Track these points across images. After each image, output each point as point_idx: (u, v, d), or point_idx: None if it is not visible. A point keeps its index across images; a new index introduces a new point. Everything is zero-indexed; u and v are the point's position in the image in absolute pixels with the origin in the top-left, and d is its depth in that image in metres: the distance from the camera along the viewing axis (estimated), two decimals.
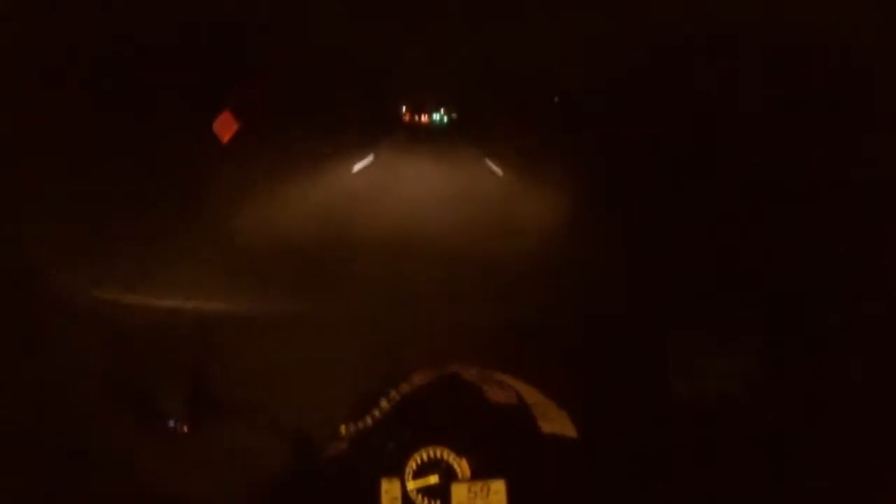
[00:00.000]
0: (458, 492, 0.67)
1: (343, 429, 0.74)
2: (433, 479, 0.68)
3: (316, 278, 1.51)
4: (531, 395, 0.82)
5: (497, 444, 0.72)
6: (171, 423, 0.83)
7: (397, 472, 0.69)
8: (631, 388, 0.89)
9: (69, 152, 1.32)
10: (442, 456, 0.69)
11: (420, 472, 0.69)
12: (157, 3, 1.49)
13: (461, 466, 0.69)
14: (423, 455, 0.69)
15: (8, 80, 1.11)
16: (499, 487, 0.67)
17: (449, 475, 0.68)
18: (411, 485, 0.67)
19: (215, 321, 1.13)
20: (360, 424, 0.74)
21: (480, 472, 0.69)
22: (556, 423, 0.79)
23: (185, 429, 0.81)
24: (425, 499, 0.67)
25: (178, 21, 1.57)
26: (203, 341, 1.01)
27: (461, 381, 0.79)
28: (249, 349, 0.97)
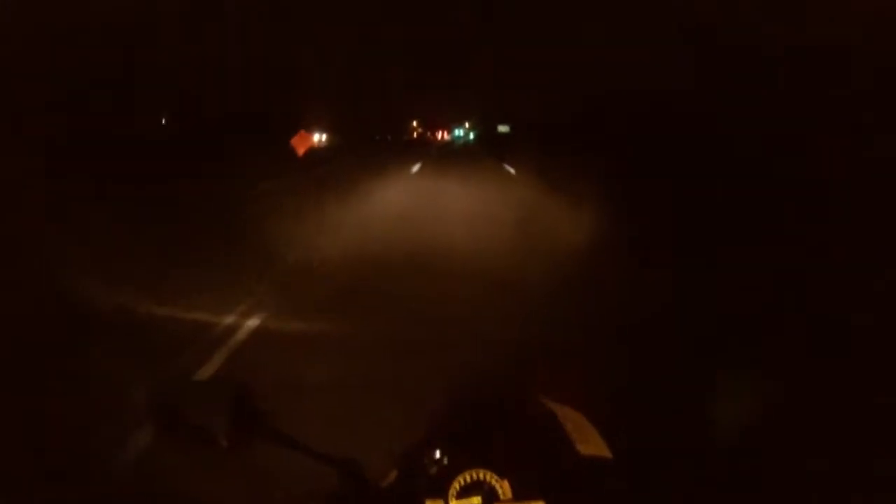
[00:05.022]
0: None
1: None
2: (476, 501, 0.69)
3: (356, 296, 1.51)
4: (567, 416, 0.82)
5: (537, 467, 0.73)
6: (211, 438, 0.75)
7: (441, 493, 0.70)
8: (665, 410, 0.89)
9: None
10: (485, 478, 0.70)
11: (463, 494, 0.70)
12: None
13: (503, 488, 0.70)
14: (466, 477, 0.70)
15: None
16: None
17: (491, 497, 0.69)
18: None
19: (260, 336, 1.13)
20: (405, 448, 0.75)
21: (521, 494, 0.70)
22: (591, 444, 0.80)
23: (225, 444, 0.78)
24: None
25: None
26: (247, 355, 1.01)
27: (502, 404, 0.80)
28: (292, 364, 0.97)
